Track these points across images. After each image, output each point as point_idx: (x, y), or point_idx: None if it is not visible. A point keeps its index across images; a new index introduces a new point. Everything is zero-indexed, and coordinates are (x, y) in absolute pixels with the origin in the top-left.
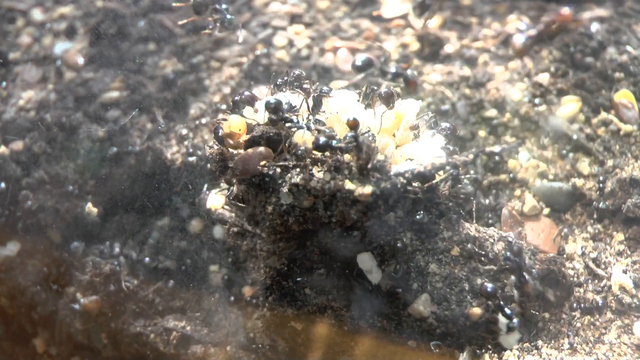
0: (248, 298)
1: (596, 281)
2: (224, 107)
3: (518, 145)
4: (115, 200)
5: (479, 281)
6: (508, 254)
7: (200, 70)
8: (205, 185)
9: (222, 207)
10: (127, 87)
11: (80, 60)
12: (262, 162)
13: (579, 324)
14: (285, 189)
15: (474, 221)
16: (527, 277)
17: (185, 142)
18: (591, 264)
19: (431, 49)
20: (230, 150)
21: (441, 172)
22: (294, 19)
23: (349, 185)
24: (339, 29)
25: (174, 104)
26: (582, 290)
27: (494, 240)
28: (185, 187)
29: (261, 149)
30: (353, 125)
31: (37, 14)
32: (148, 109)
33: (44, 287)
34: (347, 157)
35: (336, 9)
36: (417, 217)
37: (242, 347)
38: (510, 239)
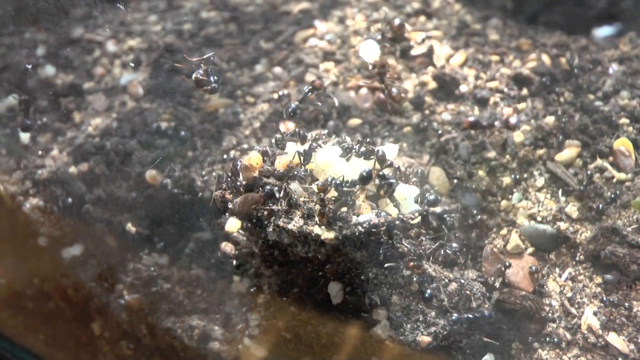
0: (258, 307)
1: (569, 319)
2: (253, 141)
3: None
4: (158, 216)
5: (433, 314)
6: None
7: (237, 105)
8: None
9: (237, 232)
10: (175, 118)
11: (141, 91)
12: (253, 206)
13: (547, 357)
14: (270, 228)
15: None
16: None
17: (213, 173)
18: (566, 303)
19: (446, 89)
20: (230, 195)
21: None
22: (326, 55)
23: (316, 230)
24: (365, 66)
25: (212, 135)
26: (554, 325)
27: (448, 280)
28: (211, 211)
29: (254, 194)
30: (322, 189)
31: (111, 46)
32: (190, 139)
33: (98, 283)
34: (317, 208)
35: None
36: (379, 257)
37: (248, 347)
38: (462, 281)
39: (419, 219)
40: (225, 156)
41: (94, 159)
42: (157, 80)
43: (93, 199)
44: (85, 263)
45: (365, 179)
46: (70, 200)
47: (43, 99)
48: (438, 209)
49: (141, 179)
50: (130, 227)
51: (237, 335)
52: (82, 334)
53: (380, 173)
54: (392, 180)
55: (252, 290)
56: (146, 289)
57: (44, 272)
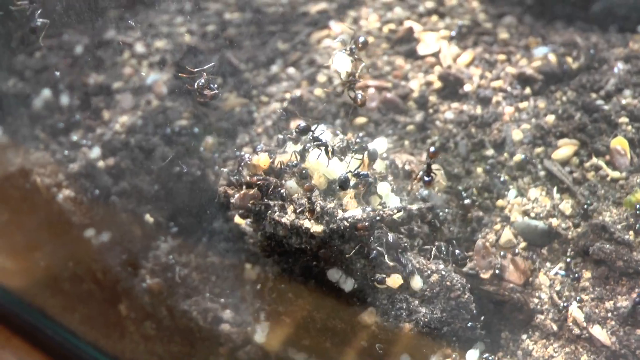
0: (264, 293)
1: (556, 311)
2: (265, 138)
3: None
4: (177, 208)
5: (416, 302)
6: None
7: (252, 104)
8: None
9: (245, 224)
10: (194, 116)
11: (165, 91)
12: (252, 201)
13: (533, 347)
14: (267, 222)
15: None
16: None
17: (225, 169)
18: (554, 296)
19: (450, 88)
20: (232, 191)
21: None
22: None
23: (306, 224)
24: (375, 66)
25: (227, 132)
26: (542, 317)
27: (430, 272)
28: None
29: (252, 191)
30: (308, 189)
31: (140, 47)
32: (207, 136)
33: (123, 268)
34: (307, 204)
35: (378, 45)
36: (365, 249)
37: (255, 331)
38: (443, 273)
39: (398, 214)
40: (237, 152)
41: (120, 154)
42: (180, 80)
43: (119, 191)
44: (113, 249)
45: (343, 182)
46: (97, 191)
47: (76, 98)
48: (414, 206)
49: (161, 174)
50: (149, 217)
51: (245, 319)
52: (112, 314)
53: (356, 172)
54: (369, 179)
55: (258, 277)
56: (165, 274)
57: (77, 256)
